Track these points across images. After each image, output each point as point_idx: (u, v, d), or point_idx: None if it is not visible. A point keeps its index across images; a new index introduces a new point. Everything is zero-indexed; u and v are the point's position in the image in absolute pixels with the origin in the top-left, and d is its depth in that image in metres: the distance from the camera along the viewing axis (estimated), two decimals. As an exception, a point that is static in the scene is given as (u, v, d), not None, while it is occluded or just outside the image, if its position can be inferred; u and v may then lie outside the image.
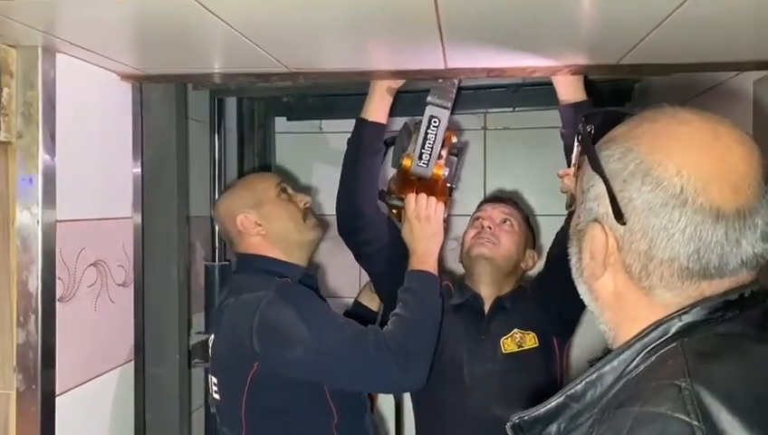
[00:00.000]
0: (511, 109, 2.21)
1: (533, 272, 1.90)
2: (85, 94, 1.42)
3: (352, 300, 2.07)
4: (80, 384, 1.39)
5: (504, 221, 1.81)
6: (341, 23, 1.15)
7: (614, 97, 2.10)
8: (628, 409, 0.64)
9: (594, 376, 0.71)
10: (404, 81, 1.66)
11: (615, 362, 0.71)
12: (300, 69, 1.49)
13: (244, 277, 1.60)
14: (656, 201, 0.69)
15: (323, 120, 2.41)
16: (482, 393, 1.66)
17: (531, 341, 1.72)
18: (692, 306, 0.69)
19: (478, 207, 1.95)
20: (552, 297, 1.68)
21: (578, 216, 0.80)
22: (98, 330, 1.46)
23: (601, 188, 0.74)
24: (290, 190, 1.70)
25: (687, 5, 1.01)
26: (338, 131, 2.34)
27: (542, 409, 0.74)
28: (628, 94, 2.16)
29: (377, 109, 1.70)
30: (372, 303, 1.99)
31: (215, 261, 2.04)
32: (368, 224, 1.74)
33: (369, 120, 1.70)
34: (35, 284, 1.25)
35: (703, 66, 1.43)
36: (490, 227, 1.79)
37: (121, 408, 1.56)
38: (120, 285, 1.53)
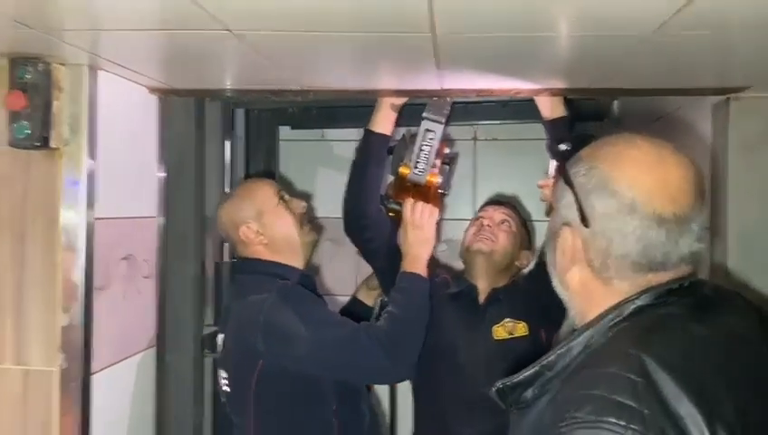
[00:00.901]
0: (499, 121, 2.37)
1: (526, 271, 2.03)
2: (120, 106, 1.57)
3: (348, 297, 2.19)
4: (111, 365, 1.54)
5: (503, 222, 1.96)
6: (350, 52, 1.30)
7: (594, 113, 2.25)
8: (589, 370, 0.80)
9: (564, 349, 0.87)
10: (407, 98, 1.81)
11: (581, 338, 0.86)
12: (311, 87, 1.64)
13: (248, 278, 1.70)
14: (612, 209, 0.85)
15: (325, 129, 2.55)
16: (474, 375, 1.78)
17: (521, 330, 1.85)
18: (640, 293, 0.86)
19: (481, 208, 2.10)
20: (542, 293, 1.82)
21: (553, 220, 0.97)
22: (126, 317, 1.61)
23: (571, 198, 0.90)
24: (287, 197, 1.77)
25: (652, 38, 1.13)
26: (339, 139, 2.51)
27: (521, 376, 0.89)
28: (606, 111, 2.30)
29: (382, 122, 1.85)
30: (368, 299, 2.13)
31: (223, 259, 2.15)
32: (372, 223, 1.88)
33: (376, 131, 1.85)
34: (78, 275, 1.40)
35: (667, 91, 1.60)
36: (489, 226, 1.93)
37: (144, 388, 1.71)
38: (145, 277, 1.69)
